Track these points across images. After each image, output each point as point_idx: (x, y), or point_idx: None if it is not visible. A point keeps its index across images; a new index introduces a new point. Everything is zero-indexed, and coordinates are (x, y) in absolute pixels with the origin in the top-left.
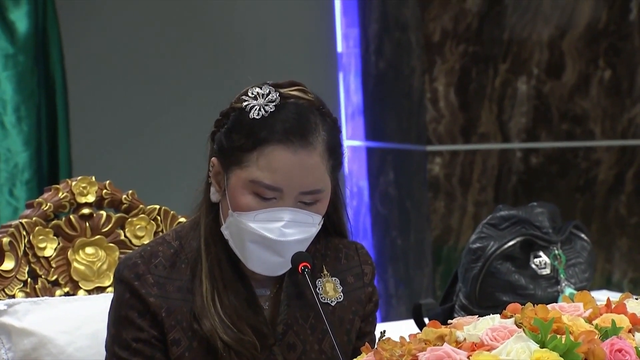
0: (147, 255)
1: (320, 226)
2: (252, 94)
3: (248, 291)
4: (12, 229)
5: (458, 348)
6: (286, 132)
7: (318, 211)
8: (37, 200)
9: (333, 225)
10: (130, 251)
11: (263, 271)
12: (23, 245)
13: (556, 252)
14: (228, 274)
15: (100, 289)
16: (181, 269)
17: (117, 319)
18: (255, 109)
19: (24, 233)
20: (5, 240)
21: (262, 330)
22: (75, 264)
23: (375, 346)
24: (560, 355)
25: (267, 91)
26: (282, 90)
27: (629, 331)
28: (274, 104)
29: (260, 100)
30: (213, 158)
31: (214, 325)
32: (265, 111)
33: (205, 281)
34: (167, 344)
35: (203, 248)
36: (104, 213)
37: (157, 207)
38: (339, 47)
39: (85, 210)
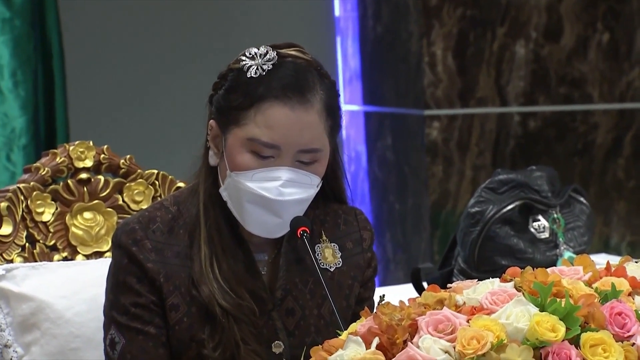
0: (145, 220)
1: (318, 188)
2: (250, 54)
3: (247, 256)
4: (10, 194)
5: (457, 312)
6: (284, 88)
7: (316, 172)
8: (34, 165)
9: (332, 191)
10: (129, 216)
11: (261, 232)
12: (21, 210)
13: (555, 215)
14: (227, 239)
15: (99, 254)
16: (179, 235)
17: (115, 284)
18: (253, 68)
19: (22, 198)
20: (3, 205)
21: (261, 295)
22: (73, 229)
23: (375, 310)
24: (560, 319)
25: (265, 51)
26: (280, 50)
27: (629, 294)
28: (272, 62)
29: (258, 60)
30: (211, 121)
31: (212, 291)
32: (263, 70)
33: (204, 246)
34: (166, 309)
35: (202, 213)
36: (101, 178)
37: (155, 171)
38: (337, 11)
39: (83, 175)
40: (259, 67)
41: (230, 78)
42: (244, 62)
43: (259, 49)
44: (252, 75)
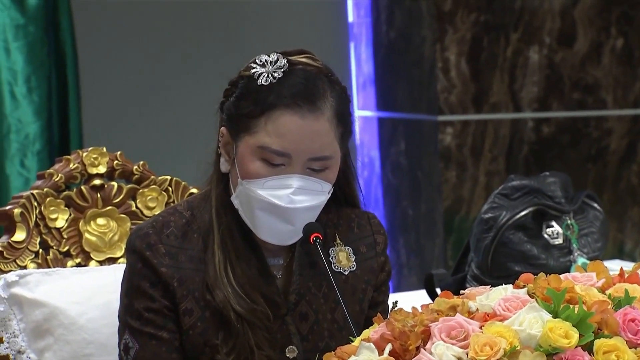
0: (159, 225)
1: (329, 195)
2: (260, 61)
3: (260, 261)
4: (24, 200)
5: (470, 318)
6: (294, 96)
7: (327, 179)
8: (48, 171)
9: (345, 195)
10: (142, 222)
11: (273, 240)
12: (34, 216)
13: (569, 221)
14: (240, 244)
15: (112, 260)
16: (193, 239)
17: (129, 289)
18: (263, 76)
19: (35, 204)
20: (17, 211)
21: (275, 300)
22: (86, 235)
23: (388, 316)
24: (573, 325)
25: (275, 58)
26: (290, 58)
27: None
28: (282, 70)
29: (269, 67)
30: (222, 128)
31: (227, 296)
32: (274, 77)
33: (218, 251)
34: (179, 314)
35: (214, 219)
36: (115, 184)
37: (169, 178)
38: (350, 17)
39: (97, 181)
40: (270, 75)
41: (241, 85)
42: (254, 70)
43: (269, 56)
44: (263, 83)
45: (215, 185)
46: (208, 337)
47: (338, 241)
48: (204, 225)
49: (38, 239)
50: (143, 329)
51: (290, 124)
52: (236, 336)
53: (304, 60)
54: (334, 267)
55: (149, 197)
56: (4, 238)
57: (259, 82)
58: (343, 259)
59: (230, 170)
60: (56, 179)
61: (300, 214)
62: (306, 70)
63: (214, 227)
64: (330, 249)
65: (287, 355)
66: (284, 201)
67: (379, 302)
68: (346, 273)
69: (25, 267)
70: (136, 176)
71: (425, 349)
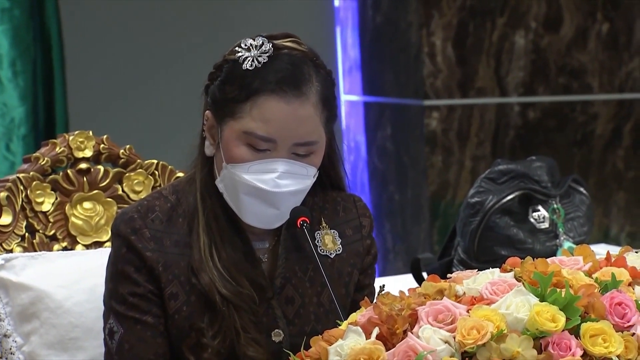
0: (144, 209)
1: (315, 179)
2: (245, 45)
3: (245, 244)
4: (10, 184)
5: (457, 302)
6: (279, 82)
7: (312, 163)
8: (34, 154)
9: (330, 178)
10: (128, 206)
11: (258, 224)
12: (20, 199)
13: (555, 206)
14: (225, 228)
15: (98, 244)
16: (178, 223)
17: (114, 273)
18: (248, 60)
19: (22, 188)
20: (3, 195)
21: (260, 284)
22: (73, 219)
23: (375, 300)
24: (560, 309)
25: (260, 42)
26: (275, 42)
27: (629, 284)
28: (267, 55)
29: (254, 52)
30: (207, 111)
31: (212, 279)
32: (259, 62)
33: (203, 235)
34: (164, 298)
35: (199, 202)
36: (101, 168)
37: (155, 161)
38: (336, 1)
39: (83, 165)
40: (255, 60)
41: (226, 69)
42: (239, 54)
43: (254, 40)
44: (248, 67)
45: (200, 168)
46: (194, 320)
47: (324, 224)
48: (189, 209)
49: (24, 223)
50: (128, 313)
51: (276, 110)
52: (222, 319)
53: (289, 44)
54: (320, 250)
55: (136, 181)
56: None
57: (244, 66)
58: (329, 242)
59: (215, 154)
60: (42, 163)
61: (286, 198)
62: (291, 55)
63: (198, 210)
64: (316, 232)
65: (273, 339)
66: (269, 185)
67: (365, 285)
68: (332, 256)
69: (11, 251)
70: (122, 160)
71: (412, 333)
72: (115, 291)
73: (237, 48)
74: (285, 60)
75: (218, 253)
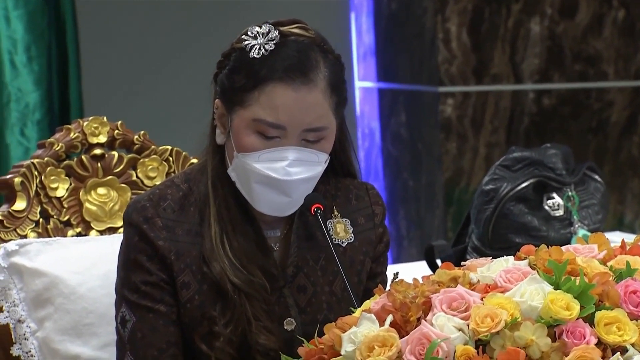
0: (156, 198)
1: (326, 165)
2: (252, 33)
3: (257, 233)
4: (24, 169)
5: (471, 290)
6: (286, 69)
7: (323, 149)
8: (48, 140)
9: (341, 165)
10: (142, 192)
11: (270, 212)
12: (35, 185)
13: (569, 193)
14: (236, 216)
15: (112, 230)
16: (190, 212)
17: (126, 262)
18: (256, 48)
19: (36, 173)
20: (17, 180)
21: (272, 272)
22: (87, 205)
23: (388, 288)
24: (575, 297)
25: (267, 30)
26: (282, 29)
27: None
28: (274, 42)
29: (260, 40)
30: (217, 100)
31: (224, 268)
32: (266, 50)
33: (214, 224)
34: (177, 287)
35: (211, 191)
36: (115, 154)
37: (169, 147)
38: None
39: (97, 151)
40: (262, 47)
41: (234, 58)
42: (246, 42)
43: (261, 28)
44: (255, 55)
45: (212, 157)
46: (206, 309)
47: (335, 213)
48: (201, 197)
49: (38, 208)
50: (140, 302)
51: (284, 97)
52: (233, 308)
53: (296, 30)
54: (332, 238)
55: (150, 167)
56: (4, 207)
57: (251, 54)
58: (341, 230)
59: (226, 143)
60: (57, 148)
61: (297, 185)
62: (298, 41)
63: (210, 199)
64: (328, 221)
65: (285, 328)
66: (280, 173)
67: (378, 273)
68: (344, 245)
69: (25, 237)
70: (137, 146)
71: (426, 320)
72: (127, 280)
73: (244, 36)
74: (292, 47)
75: (229, 242)
